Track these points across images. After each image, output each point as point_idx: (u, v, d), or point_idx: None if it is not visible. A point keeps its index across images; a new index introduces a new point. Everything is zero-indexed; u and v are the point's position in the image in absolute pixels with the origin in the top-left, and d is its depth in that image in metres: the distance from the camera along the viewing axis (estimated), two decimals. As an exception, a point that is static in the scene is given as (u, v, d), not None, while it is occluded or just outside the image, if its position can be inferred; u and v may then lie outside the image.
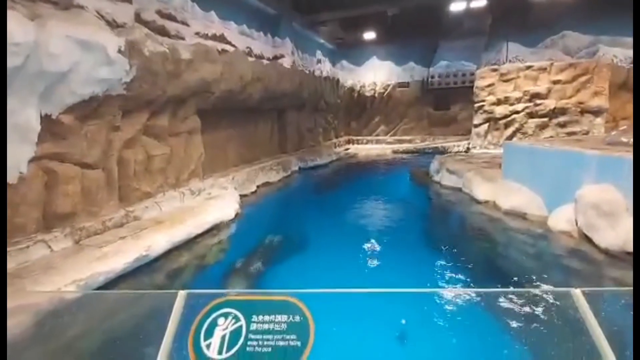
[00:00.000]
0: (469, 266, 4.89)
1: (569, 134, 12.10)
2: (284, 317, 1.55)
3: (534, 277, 4.45)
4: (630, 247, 4.60)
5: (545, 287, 4.27)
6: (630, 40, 12.25)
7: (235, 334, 1.50)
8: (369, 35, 17.37)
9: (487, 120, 13.73)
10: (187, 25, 7.86)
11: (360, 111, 20.16)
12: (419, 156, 15.90)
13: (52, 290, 3.74)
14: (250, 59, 10.13)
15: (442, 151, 15.35)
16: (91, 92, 5.18)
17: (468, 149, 14.49)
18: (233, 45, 9.48)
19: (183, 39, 7.57)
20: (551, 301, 3.15)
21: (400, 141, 19.10)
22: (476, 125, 13.99)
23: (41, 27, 4.37)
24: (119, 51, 5.43)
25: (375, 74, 19.49)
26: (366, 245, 5.78)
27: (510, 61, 14.18)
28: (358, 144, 19.91)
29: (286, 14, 12.78)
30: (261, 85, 10.46)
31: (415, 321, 3.34)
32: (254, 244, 5.96)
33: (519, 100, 13.10)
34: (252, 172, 10.32)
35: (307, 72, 14.68)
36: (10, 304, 3.21)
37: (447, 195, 8.81)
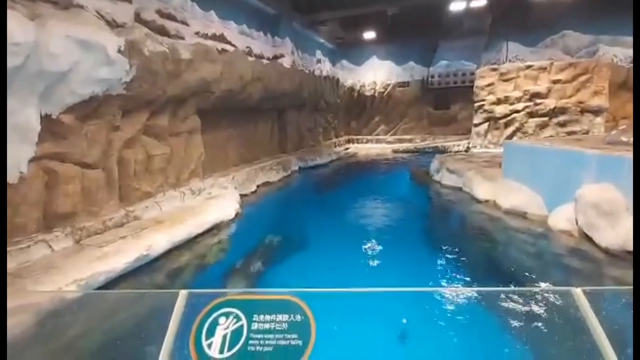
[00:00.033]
0: (470, 265, 4.90)
1: (569, 133, 12.10)
2: (285, 317, 1.55)
3: (535, 276, 4.46)
4: (630, 246, 4.61)
5: (546, 286, 4.27)
6: (630, 39, 12.25)
7: (237, 334, 1.50)
8: (369, 34, 17.36)
9: (487, 120, 13.73)
10: (187, 24, 7.86)
11: (360, 111, 20.16)
12: (419, 155, 15.90)
13: (53, 290, 3.74)
14: (250, 58, 10.13)
15: (442, 150, 15.34)
16: (91, 92, 5.18)
17: (468, 148, 14.49)
18: (233, 45, 9.48)
19: (183, 38, 7.57)
20: (552, 300, 3.16)
21: (400, 140, 19.10)
22: (476, 125, 13.99)
23: (41, 26, 4.37)
24: (119, 51, 5.43)
25: (375, 74, 19.49)
26: (366, 245, 5.78)
27: (510, 61, 14.19)
28: (358, 143, 19.91)
29: (286, 13, 12.77)
30: (261, 85, 10.46)
31: (416, 320, 3.34)
32: (255, 244, 5.97)
33: (519, 99, 13.09)
34: (252, 171, 10.32)
35: (307, 71, 14.68)
36: (12, 303, 3.22)
37: (447, 194, 8.81)
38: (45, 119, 4.71)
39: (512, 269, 4.69)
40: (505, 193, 7.17)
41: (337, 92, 18.49)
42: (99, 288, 4.14)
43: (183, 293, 1.68)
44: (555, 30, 13.80)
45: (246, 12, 10.54)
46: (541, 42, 14.07)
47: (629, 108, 12.53)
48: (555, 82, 12.61)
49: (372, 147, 19.19)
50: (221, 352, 1.46)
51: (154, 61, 6.27)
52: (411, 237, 6.20)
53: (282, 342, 1.48)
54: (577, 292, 1.67)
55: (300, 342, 1.48)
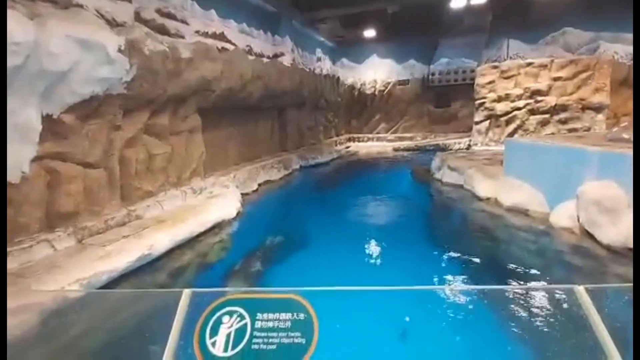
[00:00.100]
0: (471, 263, 4.90)
1: (570, 130, 12.08)
2: (289, 315, 1.56)
3: (537, 274, 4.46)
4: (632, 243, 4.61)
5: (548, 284, 4.28)
6: (631, 36, 12.20)
7: (240, 332, 1.51)
8: (369, 33, 17.32)
9: (488, 117, 13.71)
10: (187, 23, 7.85)
11: (361, 109, 20.14)
12: (420, 154, 15.89)
13: (56, 289, 3.75)
14: (250, 57, 10.12)
15: (443, 148, 15.32)
16: (92, 92, 5.17)
17: (469, 146, 14.48)
18: (233, 44, 9.46)
19: (183, 37, 7.56)
20: (554, 298, 3.16)
21: (401, 139, 19.08)
22: (477, 122, 13.97)
23: (41, 26, 4.37)
24: (119, 50, 5.43)
25: (376, 72, 19.45)
26: (368, 243, 5.79)
27: (510, 58, 14.14)
28: (359, 141, 19.89)
29: (286, 12, 12.74)
30: (261, 84, 10.45)
31: (419, 318, 3.35)
32: (256, 243, 5.97)
33: (519, 97, 13.07)
34: (253, 170, 10.32)
35: (307, 70, 14.66)
36: (15, 303, 3.23)
37: (448, 192, 8.81)
38: (47, 119, 4.71)
39: (514, 267, 4.69)
40: (506, 190, 7.16)
41: (337, 90, 18.46)
42: (102, 287, 4.15)
43: (187, 292, 1.69)
44: (555, 27, 13.75)
45: (246, 11, 10.52)
46: (542, 39, 14.02)
47: (631, 105, 12.50)
48: (556, 79, 12.59)
49: (372, 145, 19.18)
50: (225, 350, 1.46)
51: (155, 60, 6.27)
52: (413, 235, 6.20)
53: (286, 341, 1.49)
54: (580, 289, 1.68)
55: (303, 341, 1.49)
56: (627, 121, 9.33)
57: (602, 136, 7.13)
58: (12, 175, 4.36)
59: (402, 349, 3.15)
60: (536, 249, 5.40)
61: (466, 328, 3.31)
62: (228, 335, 1.50)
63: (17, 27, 4.04)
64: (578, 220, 5.47)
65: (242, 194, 8.37)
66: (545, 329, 3.16)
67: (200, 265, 5.30)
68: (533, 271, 4.51)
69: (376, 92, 19.52)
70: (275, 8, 11.84)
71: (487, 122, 13.74)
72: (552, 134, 12.17)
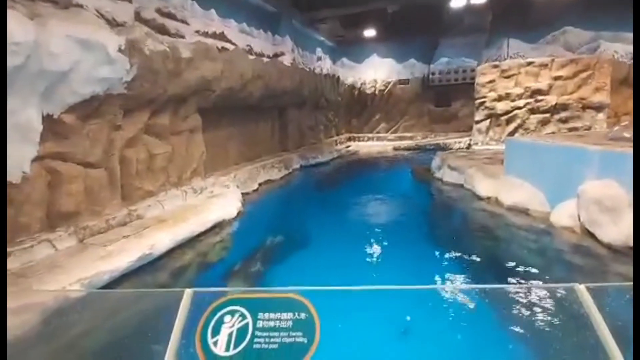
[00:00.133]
0: (472, 262, 4.90)
1: (571, 129, 12.07)
2: (290, 315, 1.56)
3: (537, 273, 4.46)
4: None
5: (548, 282, 4.28)
6: (631, 35, 12.18)
7: (242, 331, 1.51)
8: (369, 32, 17.31)
9: (488, 117, 13.70)
10: (187, 23, 7.85)
11: (361, 108, 20.13)
12: (420, 153, 15.89)
13: (57, 289, 3.76)
14: (250, 56, 10.11)
15: (444, 148, 15.31)
16: (92, 92, 5.18)
17: (469, 145, 14.47)
18: (233, 43, 9.46)
19: (183, 37, 7.56)
20: (555, 297, 3.16)
21: (401, 138, 19.08)
22: (477, 122, 13.96)
23: (41, 26, 4.37)
24: (120, 50, 5.43)
25: (376, 71, 19.44)
26: (368, 243, 5.79)
27: (511, 57, 14.12)
28: (359, 141, 19.89)
29: (286, 11, 12.74)
30: (262, 83, 10.45)
31: (420, 318, 3.35)
32: (257, 242, 5.98)
33: (520, 96, 13.06)
34: (254, 170, 10.33)
35: (308, 69, 14.65)
36: (16, 303, 3.23)
37: (449, 191, 8.81)
38: (47, 119, 4.72)
39: (515, 266, 4.69)
40: (507, 190, 7.16)
41: (337, 90, 18.46)
42: (103, 287, 4.16)
43: (188, 292, 1.69)
44: (556, 26, 13.72)
45: (246, 11, 10.52)
46: (542, 38, 14.00)
47: (631, 104, 12.48)
48: (556, 78, 12.58)
49: (373, 144, 19.17)
50: (227, 349, 1.47)
51: (155, 60, 6.27)
52: (413, 235, 6.20)
53: (287, 340, 1.50)
54: (581, 288, 1.68)
55: (305, 340, 1.49)
56: (628, 120, 9.33)
57: (603, 135, 7.13)
58: (13, 175, 4.36)
59: (404, 348, 3.16)
60: (537, 248, 5.40)
61: (467, 327, 3.31)
62: (230, 335, 1.50)
63: (17, 27, 4.04)
64: (579, 219, 5.47)
65: (242, 193, 8.37)
66: (546, 328, 3.16)
67: (201, 265, 5.31)
68: (534, 270, 4.51)
69: (376, 92, 19.52)
70: (275, 8, 11.84)
71: (488, 121, 13.73)
72: (553, 133, 12.16)
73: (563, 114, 12.53)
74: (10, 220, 4.34)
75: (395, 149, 17.75)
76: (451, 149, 15.00)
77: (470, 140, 14.48)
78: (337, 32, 17.65)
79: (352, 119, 20.37)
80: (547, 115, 12.73)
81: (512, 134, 12.95)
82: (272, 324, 1.54)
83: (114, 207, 5.83)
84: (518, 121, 13.16)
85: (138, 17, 6.37)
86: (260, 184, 9.88)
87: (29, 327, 3.08)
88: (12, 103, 4.22)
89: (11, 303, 3.11)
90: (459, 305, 3.53)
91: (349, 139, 19.78)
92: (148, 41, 6.20)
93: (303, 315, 1.55)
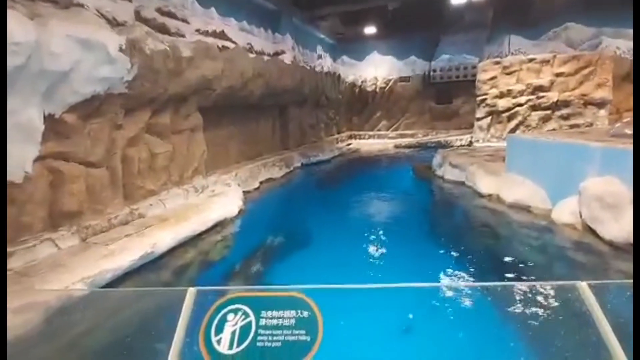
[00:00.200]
0: (474, 260, 4.90)
1: (573, 126, 12.03)
2: (293, 313, 1.57)
3: (539, 270, 4.46)
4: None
5: (550, 280, 4.28)
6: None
7: (245, 330, 1.52)
8: (370, 29, 17.25)
9: (489, 114, 13.66)
10: (187, 22, 7.84)
11: (362, 106, 20.09)
12: (422, 150, 15.87)
13: (60, 288, 3.78)
14: (251, 55, 10.10)
15: (445, 145, 15.29)
16: (93, 91, 5.18)
17: (471, 142, 14.43)
18: (233, 42, 9.45)
19: (183, 36, 7.56)
20: (557, 294, 3.17)
21: (402, 136, 19.05)
22: (479, 119, 13.92)
23: (42, 26, 4.37)
24: (120, 50, 5.43)
25: (377, 69, 19.39)
26: (370, 241, 5.80)
27: (512, 54, 14.06)
28: (360, 139, 19.87)
29: (286, 9, 12.71)
30: (262, 82, 10.44)
31: (422, 315, 3.36)
32: (258, 240, 5.99)
33: (521, 93, 13.01)
34: (255, 168, 10.34)
35: (308, 67, 14.63)
36: (19, 302, 3.25)
37: (450, 189, 8.81)
38: (49, 119, 4.73)
39: (516, 263, 4.69)
40: (508, 187, 7.16)
41: (338, 87, 18.43)
42: (106, 286, 4.18)
43: (191, 291, 1.70)
44: (557, 22, 13.65)
45: (246, 9, 10.50)
46: (544, 35, 13.92)
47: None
48: (558, 75, 12.53)
49: (374, 142, 19.15)
50: (230, 347, 1.48)
51: (155, 59, 6.27)
52: (414, 233, 6.21)
53: (290, 338, 1.51)
54: (582, 285, 1.68)
55: (308, 338, 1.50)
56: (630, 117, 9.28)
57: (605, 132, 7.11)
58: (16, 175, 4.38)
59: (406, 345, 3.17)
60: (538, 245, 5.40)
61: (469, 324, 3.32)
62: (233, 333, 1.51)
63: (18, 27, 4.04)
64: (580, 216, 5.47)
65: (243, 192, 8.38)
66: (548, 325, 3.17)
67: (203, 263, 5.32)
68: (535, 267, 4.52)
69: (377, 89, 19.47)
70: (275, 6, 11.81)
71: (489, 118, 13.70)
72: (554, 130, 12.12)
73: (565, 111, 12.49)
74: (13, 220, 4.36)
75: (396, 146, 17.72)
76: (452, 146, 14.98)
77: (472, 137, 14.45)
78: (337, 29, 17.61)
79: (353, 117, 20.35)
80: (549, 112, 12.68)
81: (513, 131, 12.92)
82: (275, 322, 1.55)
83: (116, 206, 5.85)
84: (519, 118, 13.12)
85: (138, 16, 6.37)
86: (261, 183, 9.89)
87: (32, 326, 3.09)
88: (14, 103, 4.23)
89: (14, 302, 3.13)
90: (460, 303, 3.53)
91: (350, 137, 19.76)
92: (148, 40, 6.20)
93: (306, 314, 1.56)
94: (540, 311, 3.31)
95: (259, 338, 1.51)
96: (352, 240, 5.88)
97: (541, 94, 12.71)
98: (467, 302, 3.56)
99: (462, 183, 8.67)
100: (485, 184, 7.76)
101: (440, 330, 3.24)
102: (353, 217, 7.33)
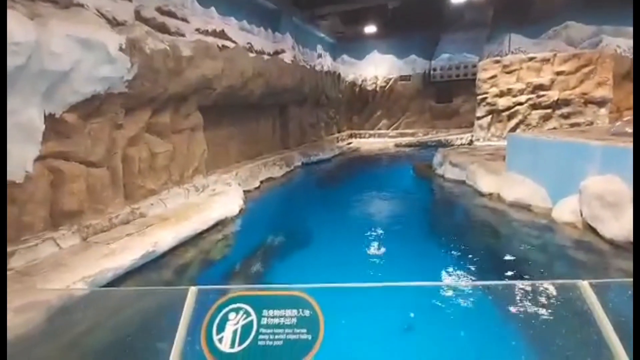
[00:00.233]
0: (474, 259, 4.90)
1: (573, 125, 12.03)
2: (294, 312, 1.57)
3: (540, 269, 4.46)
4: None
5: (551, 279, 4.28)
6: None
7: (247, 329, 1.53)
8: (370, 28, 17.24)
9: (490, 112, 13.66)
10: (187, 21, 7.84)
11: (362, 105, 20.08)
12: (422, 149, 15.86)
13: (61, 287, 3.78)
14: (251, 54, 10.10)
15: (445, 144, 15.29)
16: (93, 91, 5.18)
17: (471, 141, 14.44)
18: (233, 41, 9.45)
19: (183, 35, 7.55)
20: (558, 293, 3.17)
21: (402, 135, 19.04)
22: (479, 118, 13.92)
23: (42, 26, 4.37)
24: (120, 49, 5.43)
25: (377, 68, 19.37)
26: (371, 240, 5.80)
27: (512, 53, 14.05)
28: (360, 138, 19.86)
29: (286, 8, 12.70)
30: (262, 81, 10.43)
31: (423, 314, 3.36)
32: (259, 239, 6.00)
33: (522, 91, 13.01)
34: (255, 167, 10.34)
35: (308, 66, 14.62)
36: (21, 301, 3.26)
37: (450, 188, 8.81)
38: (49, 118, 4.73)
39: (517, 262, 4.70)
40: (508, 186, 7.16)
41: (338, 87, 18.42)
42: (107, 285, 4.19)
43: (193, 290, 1.70)
44: (557, 21, 13.63)
45: (246, 8, 10.49)
46: (544, 33, 13.91)
47: (633, 99, 12.42)
48: (558, 73, 12.52)
49: (374, 141, 19.15)
50: (232, 346, 1.48)
51: (155, 59, 6.27)
52: (415, 232, 6.21)
53: (292, 337, 1.51)
54: (584, 284, 1.68)
55: (309, 337, 1.50)
56: (630, 115, 9.28)
57: (605, 130, 7.10)
58: (17, 174, 4.38)
59: (407, 344, 3.17)
60: (539, 244, 5.40)
61: (470, 323, 3.32)
62: (234, 332, 1.52)
63: (18, 27, 4.04)
64: (581, 215, 5.47)
65: (244, 191, 8.39)
66: (549, 324, 3.17)
67: (203, 262, 5.33)
68: (536, 266, 4.52)
69: (377, 88, 19.46)
70: (275, 5, 11.80)
71: (489, 117, 13.69)
72: (555, 128, 12.12)
73: (565, 110, 12.48)
74: (14, 220, 4.37)
75: (396, 145, 17.72)
76: (453, 145, 14.97)
77: (472, 136, 14.45)
78: (337, 28, 17.59)
79: (353, 116, 20.34)
80: (549, 110, 12.68)
81: (513, 129, 12.91)
82: (276, 321, 1.55)
83: (117, 206, 5.85)
84: (520, 117, 13.11)
85: (138, 16, 6.37)
86: (261, 182, 9.89)
87: (33, 325, 3.10)
88: (14, 103, 4.23)
89: (15, 301, 3.14)
90: (461, 302, 3.54)
91: (350, 136, 19.75)
92: (148, 40, 6.20)
93: (307, 312, 1.56)
94: (542, 310, 3.31)
95: (261, 337, 1.51)
96: (353, 239, 5.88)
97: (541, 92, 12.71)
98: (468, 301, 3.56)
99: (463, 182, 8.67)
100: (485, 182, 7.76)
101: (442, 329, 3.25)
102: (353, 216, 7.33)
